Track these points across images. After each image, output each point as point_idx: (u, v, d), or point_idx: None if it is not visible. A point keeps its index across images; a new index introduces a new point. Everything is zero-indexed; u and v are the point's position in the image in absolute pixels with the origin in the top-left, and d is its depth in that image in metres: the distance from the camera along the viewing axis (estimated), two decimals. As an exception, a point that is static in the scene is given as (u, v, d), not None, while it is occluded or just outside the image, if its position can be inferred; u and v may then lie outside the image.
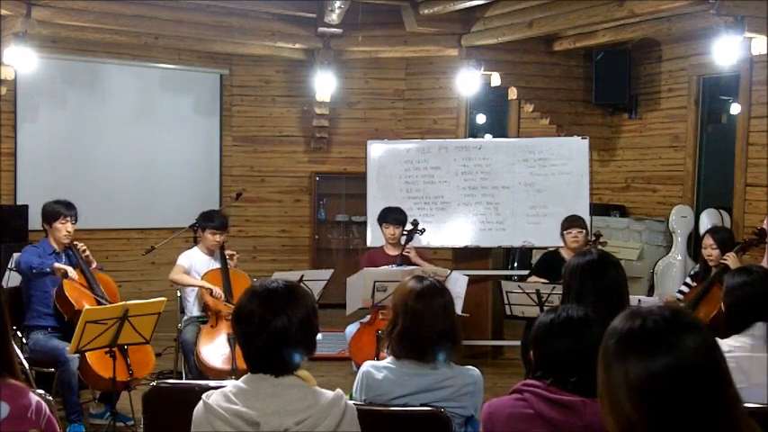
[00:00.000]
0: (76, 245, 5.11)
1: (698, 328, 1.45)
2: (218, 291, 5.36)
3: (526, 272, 6.20)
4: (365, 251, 6.86)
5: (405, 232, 6.06)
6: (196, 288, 5.54)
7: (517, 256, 8.71)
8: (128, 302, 4.44)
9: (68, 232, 5.05)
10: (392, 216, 6.10)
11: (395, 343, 2.83)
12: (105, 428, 4.78)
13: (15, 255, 5.65)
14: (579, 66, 8.68)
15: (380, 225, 6.17)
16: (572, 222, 5.88)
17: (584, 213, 6.64)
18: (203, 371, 5.08)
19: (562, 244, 5.90)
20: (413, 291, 2.83)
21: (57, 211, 5.06)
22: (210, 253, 5.68)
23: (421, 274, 2.97)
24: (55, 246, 5.09)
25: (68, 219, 5.06)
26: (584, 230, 5.85)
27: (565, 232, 5.85)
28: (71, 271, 4.92)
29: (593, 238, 5.83)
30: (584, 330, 2.30)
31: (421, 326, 2.77)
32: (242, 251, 8.27)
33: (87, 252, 5.15)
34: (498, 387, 5.39)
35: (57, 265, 4.92)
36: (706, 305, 4.92)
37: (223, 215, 5.90)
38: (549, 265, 5.72)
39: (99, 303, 4.82)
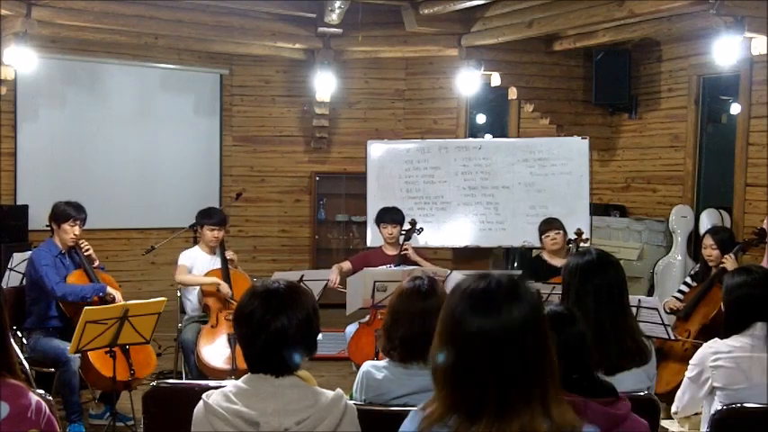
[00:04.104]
0: (80, 244, 5.11)
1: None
2: (225, 287, 5.37)
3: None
4: (365, 251, 6.87)
5: (403, 231, 6.10)
6: (197, 288, 5.54)
7: (517, 256, 8.70)
8: (128, 302, 4.45)
9: (75, 235, 5.05)
10: (389, 216, 6.15)
11: (389, 342, 2.82)
12: (105, 428, 4.78)
13: (16, 255, 5.65)
14: (579, 66, 8.67)
15: (378, 226, 6.22)
16: (549, 225, 5.92)
17: (585, 213, 6.65)
18: (203, 371, 5.08)
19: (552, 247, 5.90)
20: (410, 291, 2.83)
21: (66, 213, 5.04)
22: (212, 251, 5.68)
23: (419, 275, 2.97)
24: (60, 246, 5.09)
25: (77, 222, 5.06)
26: (561, 231, 5.88)
27: (543, 236, 5.89)
28: (118, 296, 4.98)
29: (575, 237, 5.84)
30: (558, 327, 2.28)
31: (417, 326, 2.76)
32: (242, 251, 8.29)
33: (90, 251, 5.16)
34: (498, 387, 5.38)
35: (110, 290, 4.96)
36: (706, 305, 4.92)
37: (221, 211, 5.93)
38: (535, 270, 5.73)
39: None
